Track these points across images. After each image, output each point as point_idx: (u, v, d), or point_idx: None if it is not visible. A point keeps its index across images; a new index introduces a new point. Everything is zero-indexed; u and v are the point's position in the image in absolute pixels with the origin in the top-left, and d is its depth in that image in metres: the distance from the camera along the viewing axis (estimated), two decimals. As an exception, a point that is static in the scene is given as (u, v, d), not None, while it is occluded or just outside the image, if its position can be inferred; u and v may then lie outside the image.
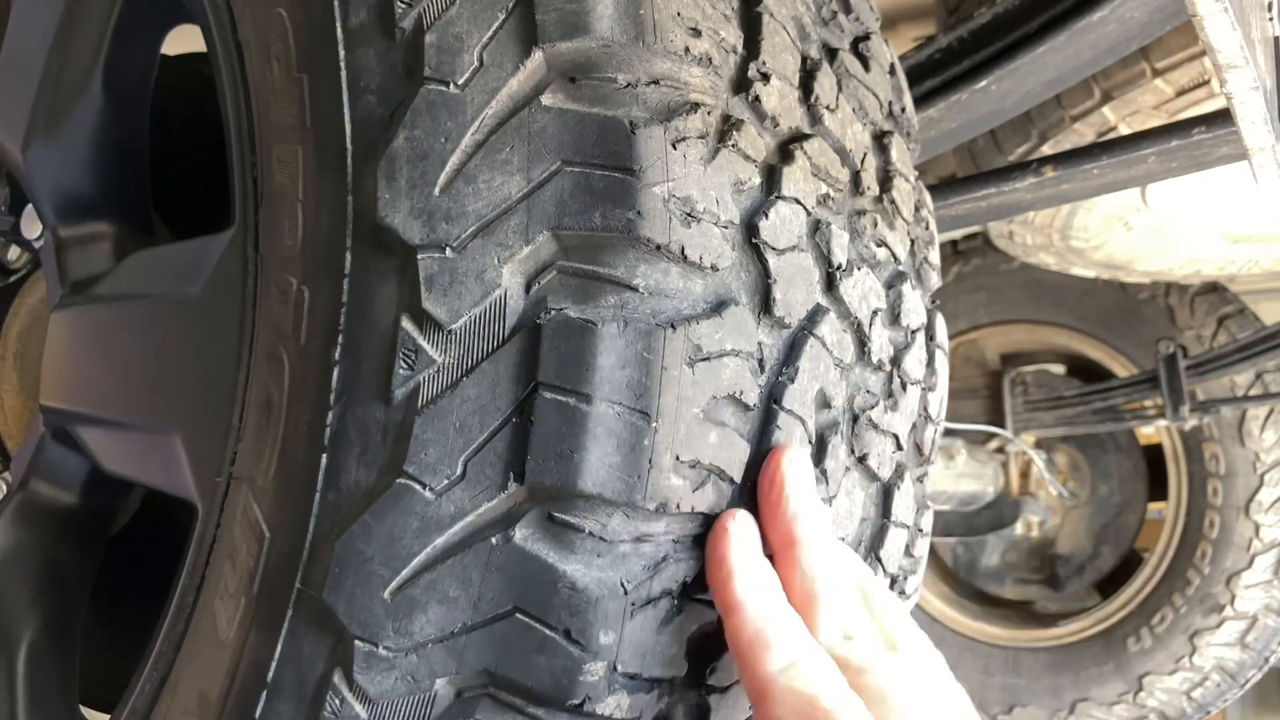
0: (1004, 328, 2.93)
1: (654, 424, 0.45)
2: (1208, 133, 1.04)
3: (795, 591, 0.49)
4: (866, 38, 0.68)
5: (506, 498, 0.45)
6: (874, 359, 0.59)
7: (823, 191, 0.56)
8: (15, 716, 0.75)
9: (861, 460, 0.59)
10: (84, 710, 0.82)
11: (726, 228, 0.49)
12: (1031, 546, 3.17)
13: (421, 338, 0.45)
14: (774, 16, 0.55)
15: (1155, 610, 2.64)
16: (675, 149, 0.47)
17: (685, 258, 0.47)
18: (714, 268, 0.48)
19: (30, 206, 0.89)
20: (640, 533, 0.47)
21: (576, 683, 0.45)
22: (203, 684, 0.51)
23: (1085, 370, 2.91)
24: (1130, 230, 2.10)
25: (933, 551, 3.13)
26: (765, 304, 0.51)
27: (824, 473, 0.55)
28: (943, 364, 0.71)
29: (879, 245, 0.62)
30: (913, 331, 0.64)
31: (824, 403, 0.55)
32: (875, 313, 0.59)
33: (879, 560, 0.63)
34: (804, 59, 0.58)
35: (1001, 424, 2.79)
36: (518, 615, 0.45)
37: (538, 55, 0.46)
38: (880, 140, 0.65)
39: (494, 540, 0.45)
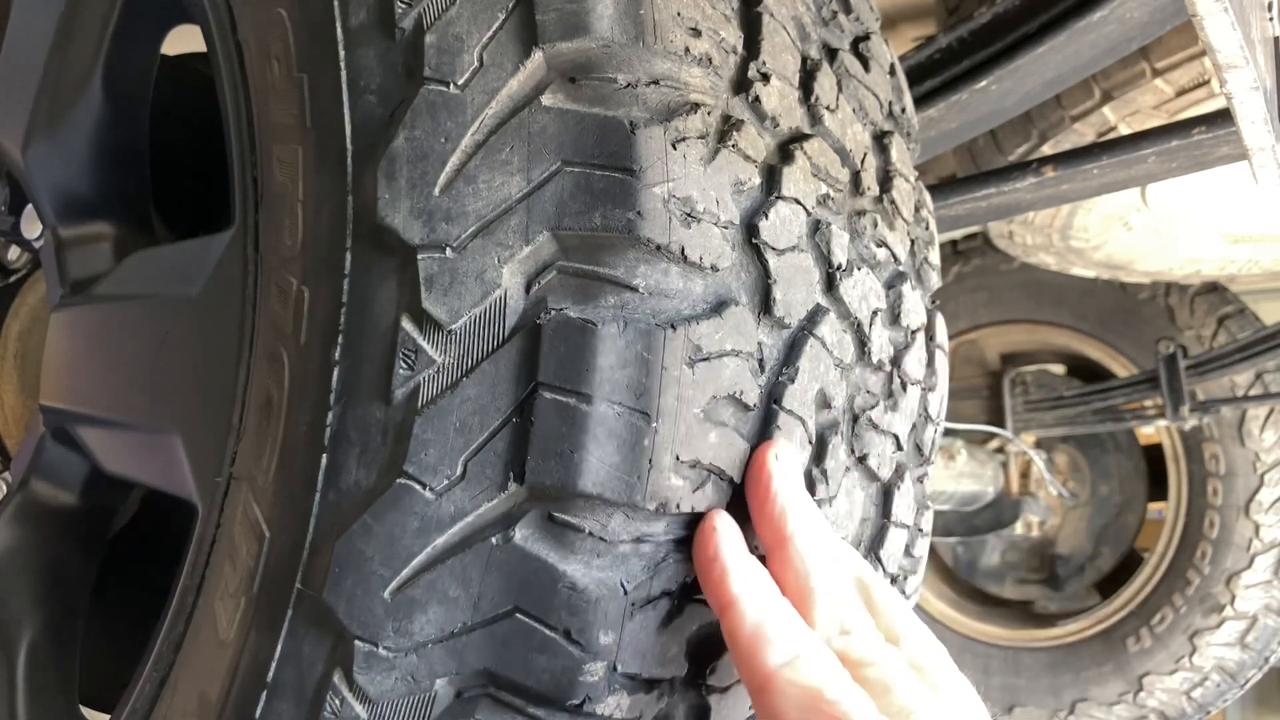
0: (1004, 328, 2.93)
1: (654, 424, 0.45)
2: (1208, 133, 1.04)
3: (790, 588, 0.49)
4: (866, 38, 0.68)
5: (506, 498, 0.45)
6: (874, 359, 0.59)
7: (823, 191, 0.56)
8: (15, 716, 0.75)
9: (861, 460, 0.59)
10: (84, 710, 0.82)
11: (726, 228, 0.49)
12: (1031, 546, 3.17)
13: (421, 338, 0.45)
14: (774, 16, 0.55)
15: (1155, 610, 2.64)
16: (675, 149, 0.47)
17: (685, 258, 0.47)
18: (714, 268, 0.48)
19: (30, 206, 0.89)
20: (640, 533, 0.47)
21: (576, 683, 0.45)
22: (203, 684, 0.51)
23: (1085, 370, 2.91)
24: (1130, 230, 2.10)
25: (933, 551, 3.13)
26: (765, 304, 0.51)
27: (824, 473, 0.55)
28: (943, 364, 0.71)
29: (879, 245, 0.62)
30: (913, 331, 0.64)
31: (824, 403, 0.55)
32: (875, 313, 0.59)
33: (879, 560, 0.63)
34: (804, 59, 0.58)
35: (1001, 424, 2.79)
36: (518, 615, 0.45)
37: (538, 55, 0.46)
38: (880, 140, 0.65)
39: (494, 540, 0.45)
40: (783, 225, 0.52)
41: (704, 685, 0.51)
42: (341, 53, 0.48)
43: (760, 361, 0.51)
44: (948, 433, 2.59)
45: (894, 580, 0.66)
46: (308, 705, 0.46)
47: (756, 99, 0.53)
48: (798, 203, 0.53)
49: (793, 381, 0.52)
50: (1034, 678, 2.80)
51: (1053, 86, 1.10)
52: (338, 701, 0.45)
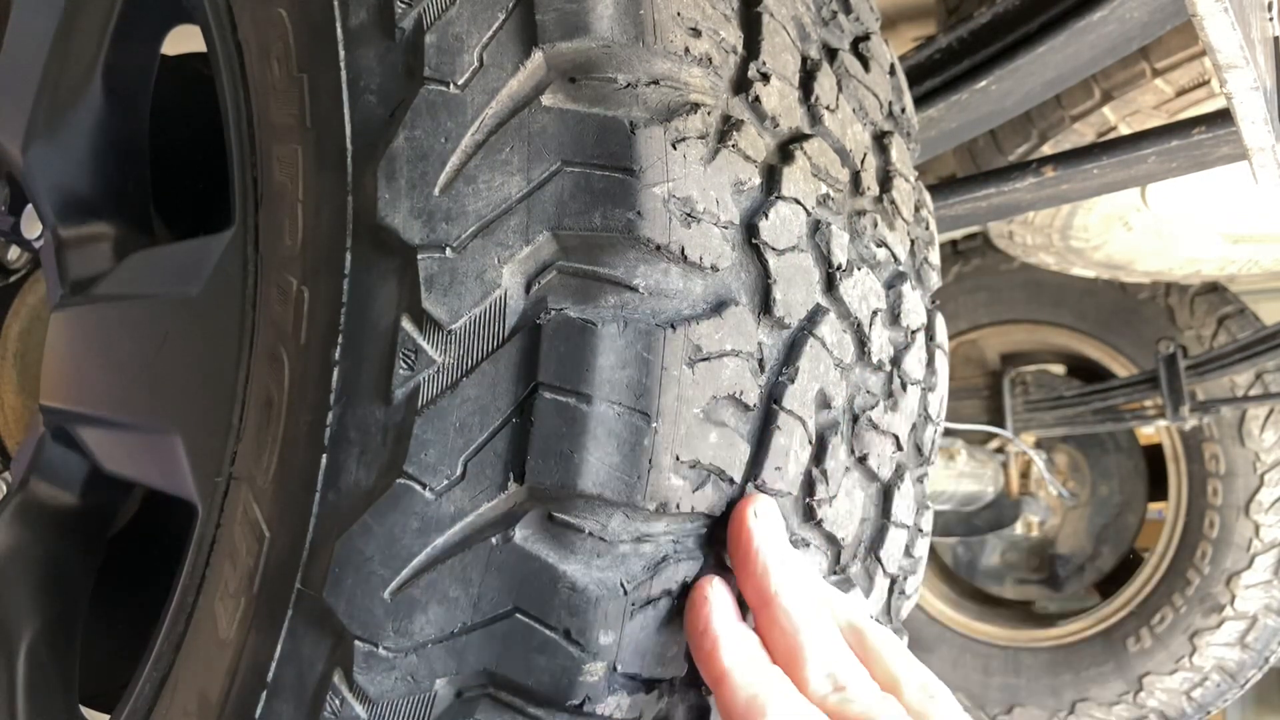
0: (1004, 328, 2.93)
1: (654, 424, 0.45)
2: (1208, 133, 1.04)
3: (778, 649, 0.48)
4: (866, 38, 0.68)
5: (506, 498, 0.45)
6: (874, 359, 0.59)
7: (823, 192, 0.56)
8: (15, 716, 0.75)
9: (861, 460, 0.59)
10: (84, 710, 0.82)
11: (726, 228, 0.49)
12: (1031, 546, 3.18)
13: (421, 338, 0.45)
14: (774, 16, 0.55)
15: (1155, 610, 2.64)
16: (675, 149, 0.47)
17: (685, 258, 0.47)
18: (714, 268, 0.48)
19: (30, 206, 0.89)
20: (640, 533, 0.47)
21: (576, 683, 0.45)
22: (203, 684, 0.51)
23: (1085, 370, 2.91)
24: (1130, 230, 2.11)
25: (933, 551, 3.13)
26: (765, 304, 0.51)
27: (824, 473, 0.55)
28: (943, 364, 0.71)
29: (879, 245, 0.62)
30: (913, 331, 0.64)
31: (824, 403, 0.55)
32: (875, 313, 0.59)
33: (879, 560, 0.63)
34: (804, 59, 0.58)
35: (1001, 424, 2.79)
36: (518, 615, 0.45)
37: (538, 55, 0.46)
38: (880, 140, 0.65)
39: (494, 540, 0.45)
40: (783, 225, 0.52)
41: (704, 685, 0.51)
42: (341, 53, 0.48)
43: (760, 361, 0.51)
44: (948, 433, 2.59)
45: (894, 580, 0.66)
46: (308, 705, 0.46)
47: (756, 99, 0.53)
48: (798, 203, 0.53)
49: (793, 381, 0.52)
50: (1034, 678, 2.80)
51: (1053, 86, 1.10)
52: (338, 701, 0.45)
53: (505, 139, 0.46)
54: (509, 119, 0.46)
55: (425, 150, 0.46)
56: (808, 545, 0.55)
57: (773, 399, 0.51)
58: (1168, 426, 2.62)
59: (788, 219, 0.52)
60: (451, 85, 0.46)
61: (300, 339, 0.49)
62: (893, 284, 0.63)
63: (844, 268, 0.56)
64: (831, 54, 0.62)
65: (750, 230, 0.50)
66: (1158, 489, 2.87)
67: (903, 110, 0.72)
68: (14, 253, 0.99)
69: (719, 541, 0.50)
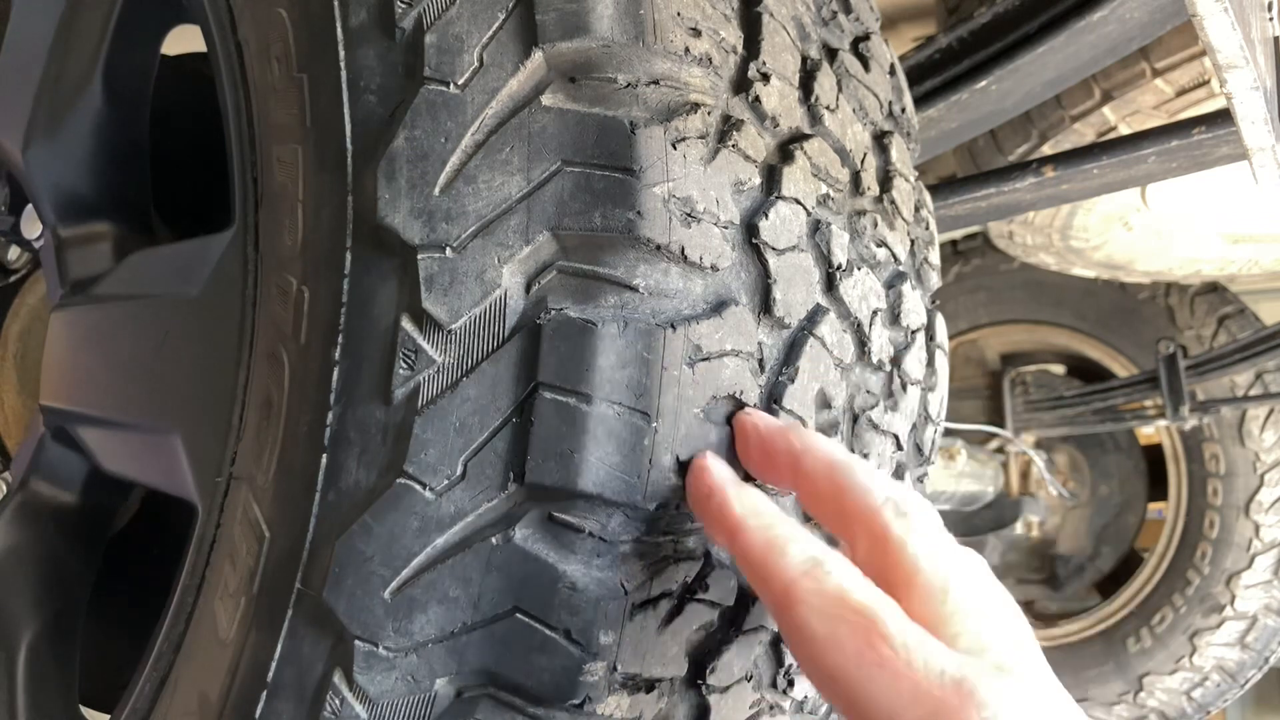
0: (1004, 328, 2.93)
1: (654, 424, 0.45)
2: (1208, 133, 1.04)
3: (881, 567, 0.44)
4: (866, 38, 0.68)
5: (506, 498, 0.45)
6: (874, 359, 0.59)
7: (823, 191, 0.56)
8: (15, 716, 0.75)
9: (861, 460, 0.59)
10: (84, 710, 0.82)
11: (726, 228, 0.49)
12: (1031, 546, 3.17)
13: (421, 338, 0.45)
14: (774, 16, 0.55)
15: (1155, 610, 2.64)
16: (675, 149, 0.47)
17: (685, 258, 0.47)
18: (714, 268, 0.48)
19: (30, 206, 0.89)
20: (640, 533, 0.47)
21: (576, 683, 0.45)
22: (203, 684, 0.51)
23: (1085, 370, 2.91)
24: (1130, 230, 2.11)
25: (933, 551, 3.12)
26: (765, 304, 0.51)
27: (824, 473, 0.55)
28: (943, 364, 0.71)
29: (879, 245, 0.62)
30: (913, 331, 0.64)
31: (824, 403, 0.55)
32: (875, 313, 0.59)
33: (879, 560, 0.63)
34: (804, 59, 0.58)
35: (1001, 424, 2.79)
36: (518, 615, 0.45)
37: (538, 55, 0.46)
38: (880, 140, 0.65)
39: (494, 540, 0.45)
40: (783, 225, 0.52)
41: (704, 685, 0.51)
42: (341, 53, 0.48)
43: (760, 361, 0.51)
44: (948, 433, 2.59)
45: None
46: (308, 705, 0.46)
47: (756, 99, 0.53)
48: (798, 203, 0.53)
49: (793, 381, 0.52)
50: (1034, 678, 2.79)
51: (1053, 86, 1.10)
52: (338, 701, 0.45)
53: (505, 139, 0.46)
54: (509, 119, 0.46)
55: (425, 150, 0.46)
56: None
57: (773, 399, 0.51)
58: (1168, 426, 2.62)
59: (788, 219, 0.52)
60: (451, 85, 0.46)
61: (300, 339, 0.49)
62: (893, 284, 0.63)
63: (844, 267, 0.56)
64: (831, 54, 0.62)
65: (750, 230, 0.50)
66: (1158, 489, 2.87)
67: (903, 110, 0.72)
68: (14, 253, 0.99)
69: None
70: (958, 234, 2.89)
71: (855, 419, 0.58)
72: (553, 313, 0.45)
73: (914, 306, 0.64)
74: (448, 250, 0.45)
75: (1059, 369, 3.04)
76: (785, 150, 0.54)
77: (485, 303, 0.45)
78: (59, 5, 0.76)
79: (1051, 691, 0.42)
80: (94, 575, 0.85)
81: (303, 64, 0.50)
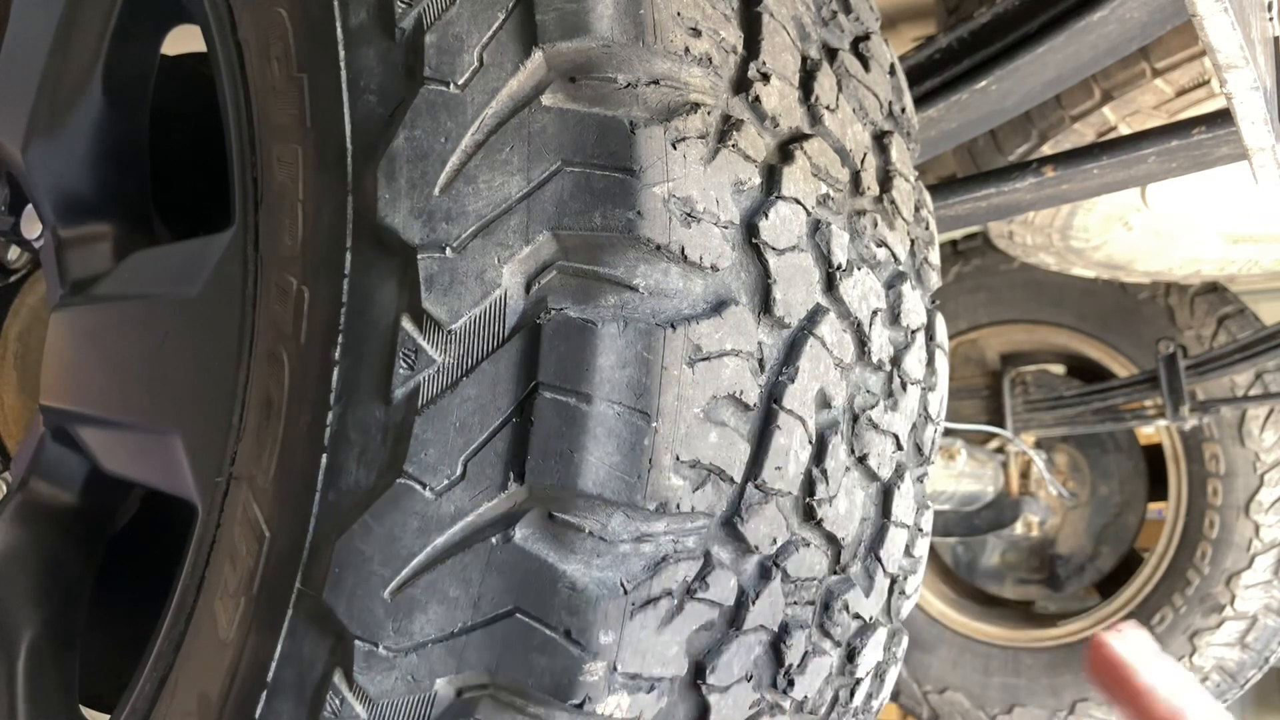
0: (1004, 328, 2.93)
1: (654, 424, 0.45)
2: (1208, 133, 1.04)
3: None
4: (866, 38, 0.68)
5: (506, 498, 0.45)
6: (874, 359, 0.59)
7: (823, 191, 0.56)
8: (15, 716, 0.75)
9: (861, 460, 0.59)
10: (84, 710, 0.82)
11: (726, 228, 0.49)
12: (1031, 546, 3.17)
13: (421, 338, 0.45)
14: (774, 16, 0.55)
15: (1155, 610, 2.64)
16: (675, 149, 0.47)
17: (685, 258, 0.47)
18: (714, 268, 0.48)
19: (30, 206, 0.89)
20: (640, 532, 0.46)
21: (576, 683, 0.45)
22: (203, 684, 0.51)
23: (1085, 370, 2.91)
24: (1130, 230, 2.10)
25: (933, 551, 3.13)
26: (765, 304, 0.51)
27: (824, 473, 0.55)
28: (943, 364, 0.71)
29: (879, 245, 0.62)
30: (913, 331, 0.64)
31: (824, 402, 0.55)
32: (875, 313, 0.59)
33: (879, 560, 0.63)
34: (804, 59, 0.58)
35: (1001, 424, 2.79)
36: (518, 615, 0.45)
37: (538, 55, 0.46)
38: (880, 140, 0.65)
39: (494, 540, 0.45)
40: (783, 225, 0.52)
41: (704, 685, 0.51)
42: (341, 53, 0.48)
43: (760, 361, 0.51)
44: (948, 433, 2.59)
45: (894, 580, 0.66)
46: (308, 705, 0.46)
47: (756, 99, 0.53)
48: (798, 202, 0.53)
49: (793, 381, 0.52)
50: (1034, 678, 2.79)
51: (1053, 86, 1.10)
52: (338, 701, 0.45)
53: (505, 139, 0.46)
54: (509, 119, 0.46)
55: (425, 150, 0.46)
56: (808, 545, 0.55)
57: (773, 398, 0.51)
58: (1168, 426, 2.62)
59: (788, 219, 0.52)
60: (451, 85, 0.46)
61: (300, 339, 0.49)
62: (893, 284, 0.63)
63: (844, 267, 0.56)
64: (831, 54, 0.62)
65: (750, 230, 0.50)
66: (1158, 489, 2.87)
67: (903, 110, 0.72)
68: (14, 253, 0.99)
69: (718, 540, 0.50)
70: (958, 234, 2.89)
71: (855, 419, 0.58)
72: (553, 313, 0.45)
73: (914, 306, 0.64)
74: (448, 250, 0.45)
75: (1059, 369, 3.04)
76: (785, 150, 0.54)
77: (485, 303, 0.45)
78: (59, 5, 0.76)
79: None
80: (94, 575, 0.85)
81: (303, 64, 0.50)
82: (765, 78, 0.53)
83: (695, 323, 0.47)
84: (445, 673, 0.45)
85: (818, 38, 0.61)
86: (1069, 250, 2.24)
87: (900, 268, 0.64)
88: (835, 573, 0.59)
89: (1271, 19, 0.87)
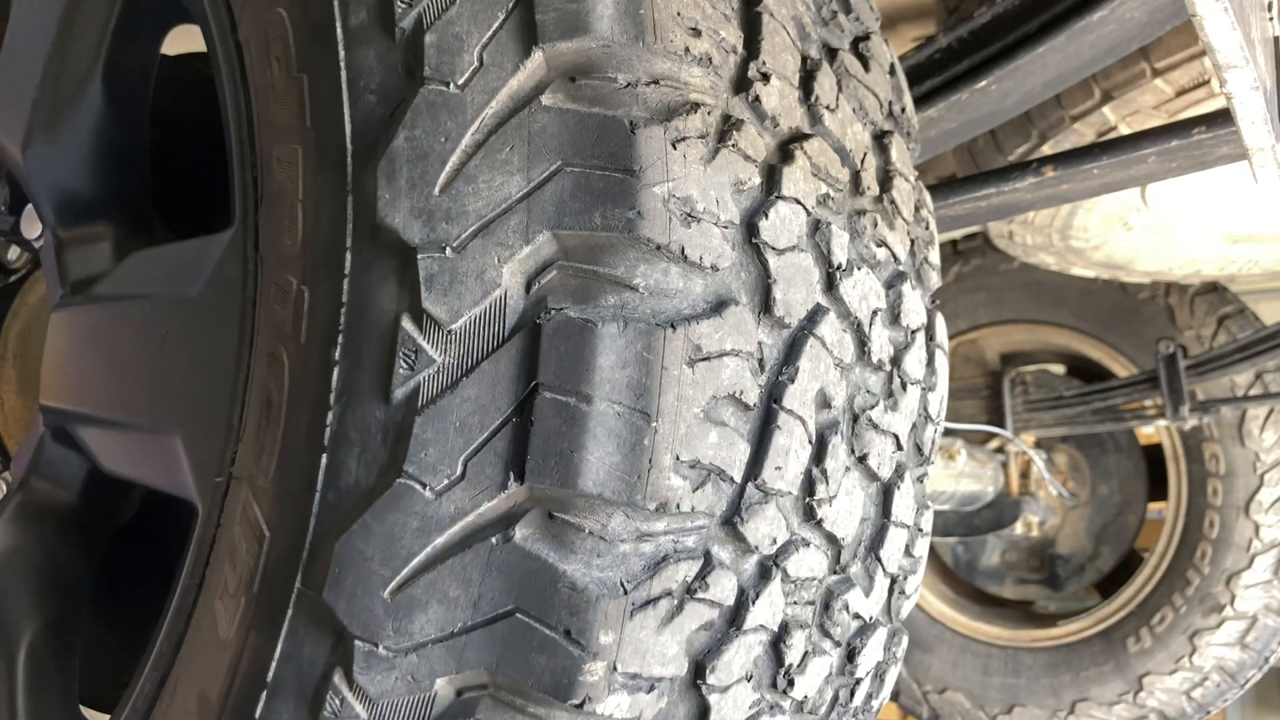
0: (1004, 328, 2.93)
1: (654, 424, 0.45)
2: (1208, 133, 1.04)
3: None
4: (866, 38, 0.68)
5: (506, 497, 0.45)
6: (874, 359, 0.59)
7: (823, 191, 0.56)
8: (15, 716, 0.75)
9: (861, 460, 0.59)
10: (84, 710, 0.82)
11: (726, 228, 0.49)
12: (1031, 546, 3.17)
13: (421, 338, 0.45)
14: (774, 16, 0.55)
15: (1155, 610, 2.64)
16: (675, 149, 0.47)
17: (685, 258, 0.47)
18: (714, 268, 0.48)
19: (30, 206, 0.89)
20: (640, 532, 0.47)
21: (576, 683, 0.45)
22: (203, 684, 0.51)
23: (1085, 370, 2.91)
24: (1130, 230, 2.10)
25: (933, 551, 3.13)
26: (765, 304, 0.51)
27: (824, 472, 0.55)
28: (943, 364, 0.71)
29: (879, 245, 0.62)
30: (913, 331, 0.64)
31: (824, 402, 0.55)
32: (875, 313, 0.59)
33: (879, 560, 0.63)
34: (804, 59, 0.58)
35: (1001, 424, 2.79)
36: (518, 615, 0.45)
37: (538, 55, 0.46)
38: (880, 140, 0.65)
39: (494, 540, 0.45)
40: (783, 225, 0.52)
41: (704, 685, 0.51)
42: (341, 53, 0.48)
43: (760, 361, 0.51)
44: (948, 433, 2.59)
45: (894, 580, 0.66)
46: (308, 705, 0.46)
47: (756, 99, 0.53)
48: (798, 202, 0.53)
49: (793, 381, 0.52)
50: (1034, 678, 2.80)
51: (1053, 86, 1.10)
52: (338, 701, 0.45)
53: (505, 139, 0.46)
54: (509, 119, 0.46)
55: (425, 150, 0.46)
56: (808, 545, 0.55)
57: (773, 398, 0.51)
58: (1168, 426, 2.62)
59: (788, 218, 0.52)
60: (451, 85, 0.46)
61: (300, 339, 0.49)
62: (893, 284, 0.63)
63: (844, 267, 0.56)
64: (831, 54, 0.62)
65: (750, 230, 0.50)
66: (1158, 489, 2.87)
67: (903, 110, 0.72)
68: (14, 253, 0.99)
69: (718, 540, 0.50)
70: (958, 234, 2.89)
71: (855, 418, 0.58)
72: (553, 313, 0.45)
73: (914, 306, 0.64)
74: (448, 250, 0.45)
75: (1059, 369, 3.04)
76: (785, 150, 0.54)
77: (485, 302, 0.45)
78: (59, 5, 0.76)
79: None
80: (94, 575, 0.85)
81: (303, 64, 0.50)
82: (765, 78, 0.53)
83: (695, 323, 0.47)
84: (445, 672, 0.45)
85: (818, 38, 0.61)
86: (1069, 250, 2.24)
87: (900, 268, 0.64)
88: (835, 573, 0.59)
89: (1271, 19, 0.87)
